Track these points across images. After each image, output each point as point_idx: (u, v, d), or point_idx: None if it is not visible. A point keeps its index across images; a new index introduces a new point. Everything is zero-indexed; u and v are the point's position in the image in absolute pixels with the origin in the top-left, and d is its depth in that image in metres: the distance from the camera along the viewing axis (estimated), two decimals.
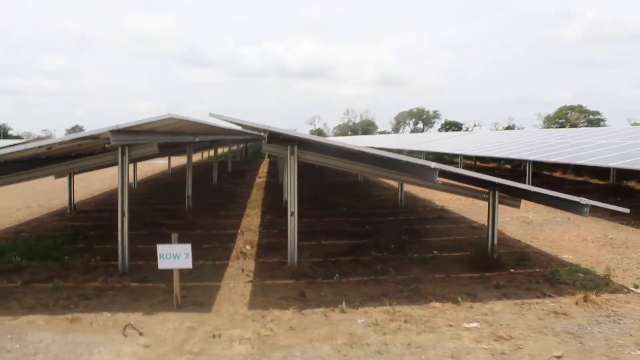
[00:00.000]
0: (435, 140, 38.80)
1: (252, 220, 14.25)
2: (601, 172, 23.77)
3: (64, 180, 16.44)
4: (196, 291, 8.11)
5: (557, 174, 28.30)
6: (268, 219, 14.41)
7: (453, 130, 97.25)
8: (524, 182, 20.45)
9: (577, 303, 7.48)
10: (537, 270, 9.27)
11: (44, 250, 10.34)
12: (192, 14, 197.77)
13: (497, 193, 9.66)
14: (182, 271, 8.95)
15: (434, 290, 8.05)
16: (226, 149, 40.71)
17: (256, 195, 19.73)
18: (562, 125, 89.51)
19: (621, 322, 6.81)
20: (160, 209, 16.09)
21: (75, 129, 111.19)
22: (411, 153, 38.74)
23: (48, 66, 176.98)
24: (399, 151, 42.59)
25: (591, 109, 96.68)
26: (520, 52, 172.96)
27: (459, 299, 7.51)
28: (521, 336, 6.26)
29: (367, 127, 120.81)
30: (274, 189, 21.26)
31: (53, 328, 6.52)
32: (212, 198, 18.49)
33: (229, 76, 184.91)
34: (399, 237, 11.83)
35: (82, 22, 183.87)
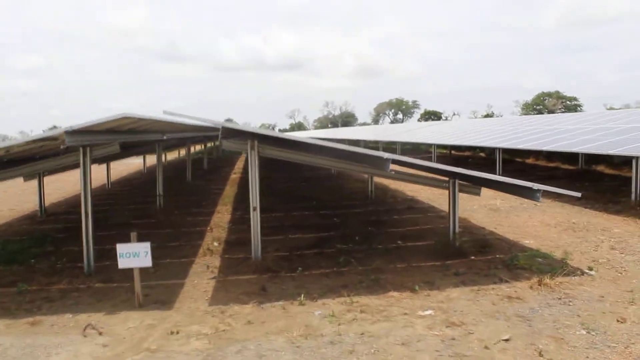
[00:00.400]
0: (410, 131, 39.06)
1: (222, 216, 14.32)
2: (571, 157, 24.20)
3: (28, 183, 16.35)
4: (160, 289, 8.19)
5: (530, 161, 28.71)
6: (238, 215, 14.50)
7: (432, 120, 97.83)
8: (495, 169, 20.78)
9: (531, 287, 7.69)
10: (498, 256, 9.48)
11: (9, 255, 10.30)
12: (168, 7, 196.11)
13: (456, 182, 9.84)
14: (147, 270, 9.07)
15: (394, 279, 8.21)
16: (202, 146, 40.61)
17: (229, 191, 19.80)
18: (539, 112, 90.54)
19: (571, 304, 7.03)
20: (131, 208, 16.09)
21: (53, 129, 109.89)
22: (388, 144, 39.01)
23: (22, 65, 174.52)
24: (376, 142, 42.83)
25: (568, 95, 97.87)
26: (498, 39, 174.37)
27: (417, 288, 7.68)
28: (473, 322, 6.44)
29: (346, 119, 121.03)
30: (247, 184, 21.27)
31: (13, 332, 6.56)
32: (185, 196, 18.51)
33: (208, 71, 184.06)
34: (365, 228, 11.99)
35: (56, 19, 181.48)
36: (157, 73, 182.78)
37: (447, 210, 14.01)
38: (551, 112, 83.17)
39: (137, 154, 21.82)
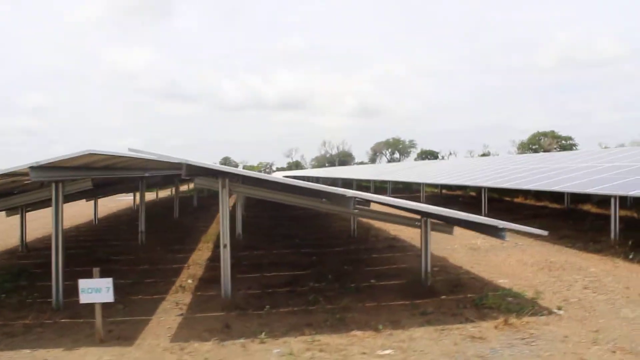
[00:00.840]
0: (401, 170, 39.25)
1: (202, 253, 14.31)
2: (559, 196, 24.28)
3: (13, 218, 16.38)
4: (125, 325, 8.15)
5: (519, 200, 28.80)
6: (218, 252, 14.44)
7: (429, 159, 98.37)
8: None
9: (496, 327, 7.65)
10: (468, 295, 9.44)
11: None
12: (170, 47, 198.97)
13: (428, 220, 9.88)
14: (115, 306, 9.09)
15: (360, 318, 8.16)
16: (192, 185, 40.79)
17: (214, 229, 19.78)
18: (535, 151, 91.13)
19: (534, 344, 6.99)
20: (114, 245, 16.10)
21: None
22: (381, 183, 39.12)
23: (27, 104, 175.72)
24: (368, 181, 42.99)
25: (563, 135, 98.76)
26: (495, 80, 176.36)
27: (380, 327, 7.63)
28: None
29: (344, 158, 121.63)
30: (234, 222, 21.31)
31: None
32: (169, 233, 18.51)
33: (208, 109, 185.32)
34: (342, 267, 11.97)
35: (61, 59, 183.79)
36: (158, 112, 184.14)
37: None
38: (547, 151, 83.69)
39: (123, 191, 21.87)
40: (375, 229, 18.17)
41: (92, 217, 22.56)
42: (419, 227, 9.98)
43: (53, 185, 8.87)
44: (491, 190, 27.43)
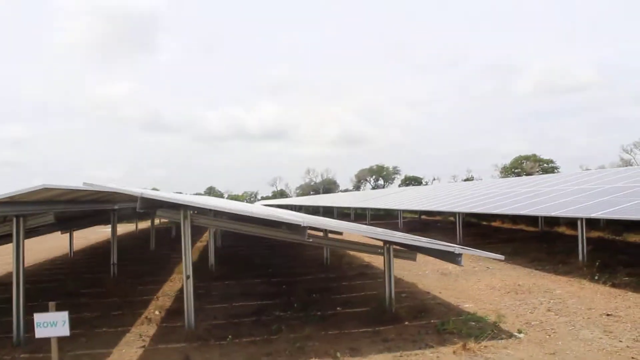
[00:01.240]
0: (380, 197, 39.47)
1: (173, 285, 14.24)
2: (534, 219, 24.53)
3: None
4: (85, 359, 8.09)
5: (496, 224, 29.03)
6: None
7: (413, 185, 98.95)
8: (456, 233, 20.97)
9: (454, 352, 7.71)
10: (432, 321, 9.49)
11: None
12: (152, 78, 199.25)
13: (391, 247, 9.96)
14: (78, 339, 9.06)
15: (320, 347, 8.18)
16: None
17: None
18: (518, 175, 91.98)
19: None
20: (85, 277, 15.96)
21: None
22: (362, 210, 39.20)
23: (7, 136, 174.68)
24: (348, 209, 43.05)
25: (545, 158, 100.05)
26: (476, 106, 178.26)
27: (338, 355, 7.67)
28: None
29: (328, 186, 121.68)
30: (208, 252, 21.28)
31: None
32: (143, 265, 18.39)
33: (190, 140, 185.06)
34: (310, 295, 11.98)
35: (41, 90, 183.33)
36: (141, 142, 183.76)
37: (399, 276, 14.25)
38: (529, 174, 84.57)
39: (100, 223, 21.71)
40: (350, 257, 18.19)
41: (72, 248, 22.36)
42: (382, 254, 10.04)
43: (14, 219, 8.88)
44: (469, 215, 27.69)
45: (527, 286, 12.32)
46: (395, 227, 30.46)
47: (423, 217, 37.28)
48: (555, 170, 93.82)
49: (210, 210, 8.80)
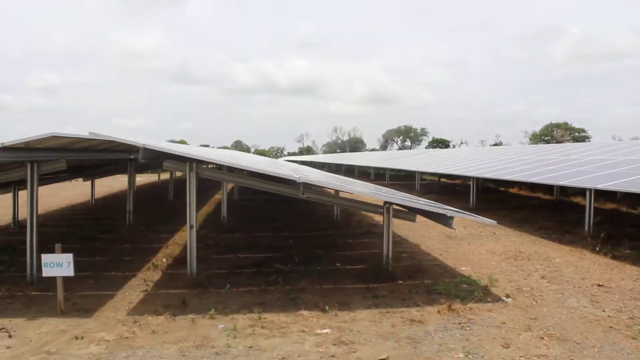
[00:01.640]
0: (400, 158, 39.48)
1: (184, 234, 14.63)
2: (551, 188, 24.42)
3: (21, 195, 16.82)
4: (90, 299, 8.59)
5: (514, 190, 28.93)
6: (202, 233, 14.88)
7: (440, 147, 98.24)
8: (477, 197, 21.06)
9: (439, 312, 7.97)
10: (425, 281, 9.76)
11: None
12: (182, 31, 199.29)
13: (391, 207, 10.17)
14: (86, 280, 9.59)
15: (312, 299, 8.53)
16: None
17: (205, 210, 20.28)
18: (547, 142, 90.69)
19: (468, 328, 7.31)
20: (103, 224, 16.59)
21: None
22: (383, 170, 39.31)
23: (37, 82, 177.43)
24: (368, 168, 43.20)
25: (576, 127, 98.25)
26: (509, 70, 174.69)
27: (327, 308, 8.00)
28: (362, 341, 6.75)
29: (355, 145, 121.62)
30: (227, 204, 21.77)
31: None
32: (159, 214, 18.97)
33: (219, 93, 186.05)
34: (313, 250, 12.33)
35: (72, 39, 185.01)
36: (169, 94, 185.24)
37: (404, 236, 14.52)
38: (559, 142, 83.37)
39: (119, 172, 22.25)
40: (361, 215, 18.49)
41: (96, 196, 23.12)
42: (382, 213, 10.25)
43: (28, 165, 9.31)
44: (488, 180, 27.64)
45: (528, 253, 12.47)
46: (412, 189, 30.60)
47: (443, 180, 37.29)
48: (587, 140, 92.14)
49: (210, 162, 9.07)
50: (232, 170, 9.72)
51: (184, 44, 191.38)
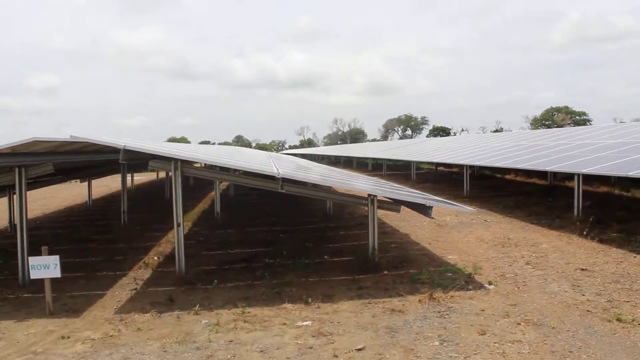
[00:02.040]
0: (395, 149, 39.58)
1: None
2: (546, 174, 24.51)
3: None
4: (80, 299, 8.77)
5: (510, 177, 29.02)
6: (195, 230, 15.10)
7: (441, 136, 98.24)
8: (474, 185, 21.16)
9: (420, 301, 8.11)
10: (411, 271, 9.90)
11: None
12: (180, 27, 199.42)
13: (375, 199, 10.30)
14: (78, 281, 9.79)
15: (297, 292, 8.68)
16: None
17: (200, 208, 20.43)
18: (548, 127, 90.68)
19: (447, 316, 7.45)
20: (98, 224, 16.77)
21: None
22: (382, 160, 39.44)
23: (38, 84, 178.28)
24: (365, 159, 43.31)
25: (577, 110, 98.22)
26: (508, 56, 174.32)
27: (310, 300, 8.15)
28: (341, 332, 6.90)
29: (356, 136, 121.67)
30: (222, 200, 21.94)
31: None
32: (154, 212, 19.09)
33: (219, 88, 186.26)
34: (303, 244, 12.48)
35: (71, 39, 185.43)
36: (169, 91, 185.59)
37: (395, 226, 14.66)
38: (560, 126, 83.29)
39: (108, 173, 22.38)
40: (354, 208, 18.61)
41: (95, 197, 23.31)
42: (366, 205, 10.37)
43: (16, 169, 9.47)
44: (483, 167, 27.75)
45: (516, 240, 12.59)
46: (408, 179, 30.72)
47: (440, 168, 37.39)
48: (588, 123, 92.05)
49: (192, 161, 9.23)
50: (220, 168, 9.85)
51: (182, 40, 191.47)
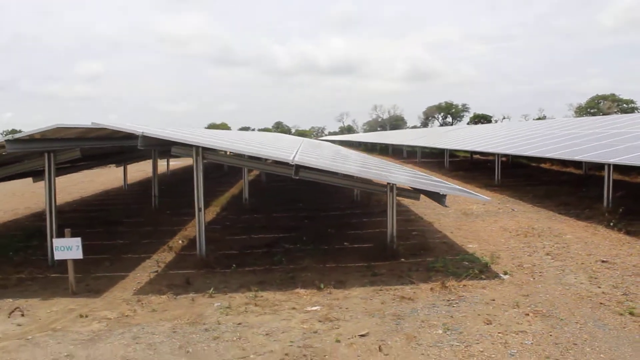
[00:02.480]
0: (429, 136, 39.20)
1: (207, 217, 15.11)
2: (581, 163, 24.00)
3: (60, 182, 17.59)
4: (103, 280, 9.12)
5: (546, 165, 28.48)
6: (222, 215, 15.40)
7: (482, 123, 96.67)
8: (509, 172, 20.95)
9: (431, 289, 8.14)
10: (428, 259, 9.91)
11: None
12: (221, 13, 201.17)
13: (394, 187, 10.32)
14: (103, 263, 10.16)
15: (311, 278, 8.82)
16: None
17: (231, 193, 20.76)
18: (593, 115, 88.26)
19: (456, 305, 7.47)
20: (130, 208, 17.26)
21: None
22: (419, 147, 39.19)
23: (83, 71, 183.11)
24: (400, 146, 43.07)
25: (625, 98, 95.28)
26: (554, 42, 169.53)
27: (322, 286, 8.28)
28: (348, 318, 7.01)
29: (395, 123, 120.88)
30: (253, 187, 22.25)
31: None
32: (185, 197, 19.42)
33: (259, 74, 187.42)
34: (326, 229, 12.61)
35: (115, 27, 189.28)
36: (210, 77, 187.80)
37: (421, 214, 14.65)
38: (606, 114, 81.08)
39: (140, 158, 22.87)
40: (381, 195, 18.59)
41: (133, 181, 23.98)
42: (386, 193, 10.41)
43: (45, 155, 9.86)
44: (517, 156, 27.31)
45: (540, 229, 12.43)
46: (441, 167, 30.49)
47: (476, 156, 36.92)
48: (636, 111, 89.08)
49: (211, 147, 9.44)
50: (236, 154, 10.05)
51: (224, 27, 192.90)
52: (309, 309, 7.41)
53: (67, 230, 8.36)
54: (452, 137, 33.93)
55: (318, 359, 5.80)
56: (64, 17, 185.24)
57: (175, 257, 10.61)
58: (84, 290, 8.48)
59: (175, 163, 33.77)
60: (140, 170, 30.79)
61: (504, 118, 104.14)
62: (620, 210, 13.09)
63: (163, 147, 10.11)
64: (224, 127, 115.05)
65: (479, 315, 7.06)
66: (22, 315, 7.40)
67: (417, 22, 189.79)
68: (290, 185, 22.32)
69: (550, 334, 6.40)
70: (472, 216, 14.45)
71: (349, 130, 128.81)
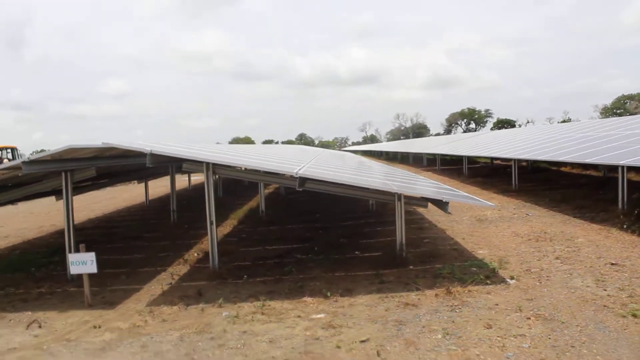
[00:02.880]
0: (448, 143, 39.13)
1: (224, 229, 15.51)
2: (598, 166, 23.80)
3: (84, 199, 18.09)
4: (118, 292, 9.43)
5: (566, 169, 28.25)
6: (239, 228, 15.67)
7: (505, 128, 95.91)
8: (527, 178, 20.88)
9: (436, 295, 8.25)
10: (436, 266, 10.01)
11: (19, 264, 11.98)
12: (241, 28, 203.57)
13: (402, 196, 10.47)
14: (120, 276, 10.46)
15: (319, 287, 8.99)
16: None
17: (249, 205, 21.06)
18: (620, 115, 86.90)
19: (458, 310, 7.57)
20: (150, 223, 17.67)
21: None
22: (443, 155, 39.15)
23: (110, 91, 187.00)
24: (420, 154, 43.00)
25: None
26: (577, 42, 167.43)
27: (328, 294, 8.45)
28: (351, 325, 7.16)
29: (418, 130, 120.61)
30: (272, 199, 22.54)
31: None
32: (203, 211, 19.79)
33: (282, 87, 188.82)
34: (338, 240, 12.79)
35: (138, 47, 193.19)
36: (233, 92, 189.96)
37: (435, 221, 14.73)
38: (633, 114, 79.80)
39: (159, 175, 23.38)
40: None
41: (154, 197, 24.50)
42: (393, 201, 10.56)
43: (63, 174, 10.26)
44: (537, 160, 27.17)
45: (553, 234, 12.42)
46: (460, 174, 30.42)
47: (496, 162, 36.73)
48: None
49: (220, 163, 9.72)
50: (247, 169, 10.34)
51: (244, 42, 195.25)
52: (314, 316, 7.59)
53: (81, 246, 8.70)
54: (471, 144, 33.84)
55: None
56: (90, 39, 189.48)
57: (190, 270, 10.89)
58: (99, 303, 8.79)
59: (197, 178, 34.21)
60: (163, 186, 31.28)
61: (527, 122, 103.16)
62: (636, 212, 13.01)
63: (176, 163, 10.41)
64: (247, 141, 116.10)
65: (480, 319, 7.15)
66: (40, 327, 7.73)
67: (437, 30, 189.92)
68: (308, 197, 22.54)
69: (549, 337, 6.47)
70: (485, 222, 14.48)
71: (372, 139, 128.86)
